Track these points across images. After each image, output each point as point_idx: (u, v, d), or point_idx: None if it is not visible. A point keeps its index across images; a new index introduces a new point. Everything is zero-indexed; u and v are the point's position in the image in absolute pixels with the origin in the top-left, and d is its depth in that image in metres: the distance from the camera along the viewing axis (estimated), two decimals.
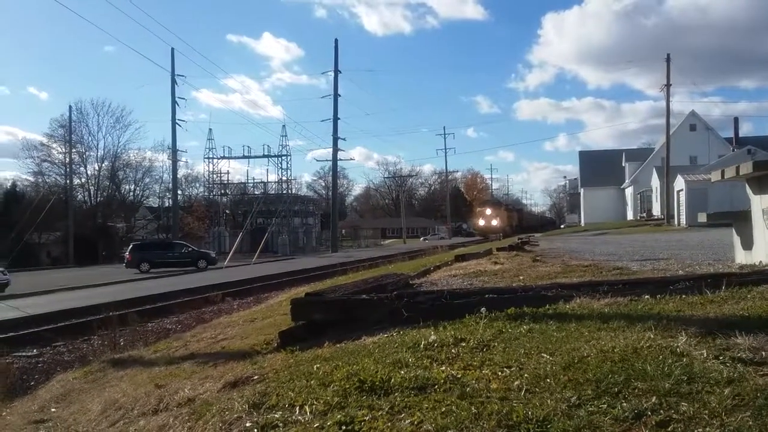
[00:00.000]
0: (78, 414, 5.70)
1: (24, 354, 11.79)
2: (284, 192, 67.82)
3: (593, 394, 2.52)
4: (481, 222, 71.86)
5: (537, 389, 2.67)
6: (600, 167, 70.38)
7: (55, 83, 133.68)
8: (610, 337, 3.51)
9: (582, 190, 75.23)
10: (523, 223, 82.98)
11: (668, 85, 43.77)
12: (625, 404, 2.39)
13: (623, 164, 68.18)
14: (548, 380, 2.76)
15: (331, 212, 64.51)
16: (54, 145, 64.17)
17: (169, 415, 3.88)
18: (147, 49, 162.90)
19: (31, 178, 66.29)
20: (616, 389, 2.56)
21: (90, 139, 67.11)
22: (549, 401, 2.47)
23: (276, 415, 2.78)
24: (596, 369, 2.82)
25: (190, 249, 39.95)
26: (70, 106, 62.97)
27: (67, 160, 61.49)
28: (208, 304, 17.21)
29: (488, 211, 71.50)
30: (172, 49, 52.36)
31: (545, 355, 3.21)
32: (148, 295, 19.40)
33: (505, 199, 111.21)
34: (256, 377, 4.16)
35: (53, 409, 6.56)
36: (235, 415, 2.97)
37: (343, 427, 2.46)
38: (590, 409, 2.38)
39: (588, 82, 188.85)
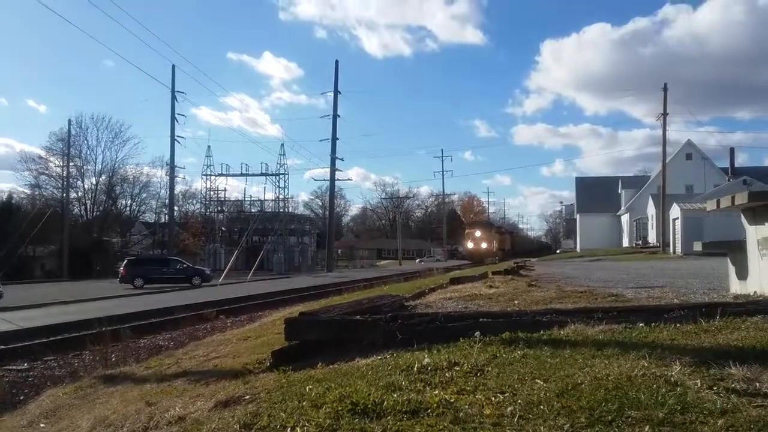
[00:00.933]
0: (67, 430, 5.64)
1: (14, 368, 11.70)
2: (281, 210, 67.82)
3: (587, 422, 2.51)
4: (470, 245, 65.24)
5: (530, 416, 2.66)
6: (596, 193, 70.65)
7: (54, 96, 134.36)
8: (604, 364, 3.51)
9: (578, 216, 75.38)
10: (516, 248, 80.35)
11: (665, 115, 44.12)
12: None
13: (619, 191, 68.47)
14: (542, 407, 2.75)
15: (327, 232, 64.47)
16: (52, 159, 64.27)
17: None
18: (146, 65, 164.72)
19: (28, 191, 66.27)
20: (609, 417, 2.55)
21: (88, 153, 67.37)
22: (542, 428, 2.46)
23: None
24: (590, 396, 2.81)
25: (185, 265, 39.81)
26: (70, 120, 63.12)
27: (65, 173, 61.51)
28: (201, 321, 17.12)
29: (477, 233, 65.06)
30: (173, 66, 52.88)
31: (539, 381, 3.20)
32: (141, 311, 19.30)
33: (498, 221, 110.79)
34: (247, 397, 4.13)
35: (42, 425, 6.50)
36: None
37: None
38: None
39: (585, 108, 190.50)
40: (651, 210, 54.18)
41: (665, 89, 43.93)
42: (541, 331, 5.01)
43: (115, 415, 5.24)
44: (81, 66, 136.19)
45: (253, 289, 30.71)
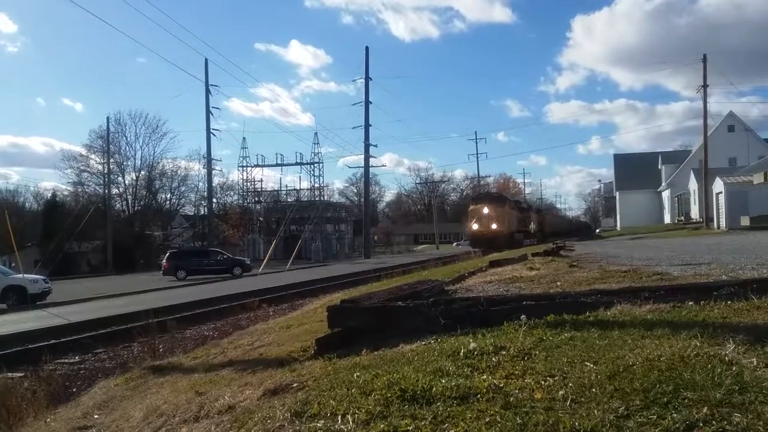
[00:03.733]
0: (120, 421, 5.79)
1: (66, 361, 12.04)
2: (317, 199, 68.29)
3: (641, 405, 2.47)
4: (475, 225, 45.17)
5: (582, 399, 2.63)
6: (635, 170, 69.29)
7: (89, 95, 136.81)
8: (655, 345, 3.44)
9: (617, 194, 74.11)
10: (550, 228, 67.21)
11: (705, 86, 42.84)
12: (675, 415, 2.34)
13: (659, 167, 67.01)
14: (593, 390, 2.72)
15: (364, 219, 64.73)
16: (93, 156, 65.74)
17: (210, 423, 3.92)
18: (176, 60, 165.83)
19: (71, 188, 67.99)
20: (665, 399, 2.50)
21: (127, 149, 68.53)
22: (596, 412, 2.43)
23: (318, 424, 2.78)
24: (643, 378, 2.76)
25: (225, 256, 40.42)
26: (108, 118, 64.46)
27: (106, 170, 62.83)
28: (243, 311, 17.35)
29: (485, 210, 45.06)
30: (206, 60, 53.08)
31: (589, 364, 3.16)
32: (185, 302, 19.66)
33: (535, 201, 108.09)
34: (295, 385, 4.18)
35: (96, 416, 6.68)
36: (278, 424, 2.98)
37: None
38: (639, 420, 2.33)
39: (620, 83, 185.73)
40: (693, 185, 52.91)
41: (704, 60, 42.63)
42: (587, 313, 4.95)
43: (167, 405, 5.36)
44: (113, 63, 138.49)
45: (292, 277, 31.02)
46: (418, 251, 76.96)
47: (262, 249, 59.36)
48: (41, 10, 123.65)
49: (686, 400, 2.47)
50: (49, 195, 69.66)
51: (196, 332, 14.65)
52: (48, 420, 7.07)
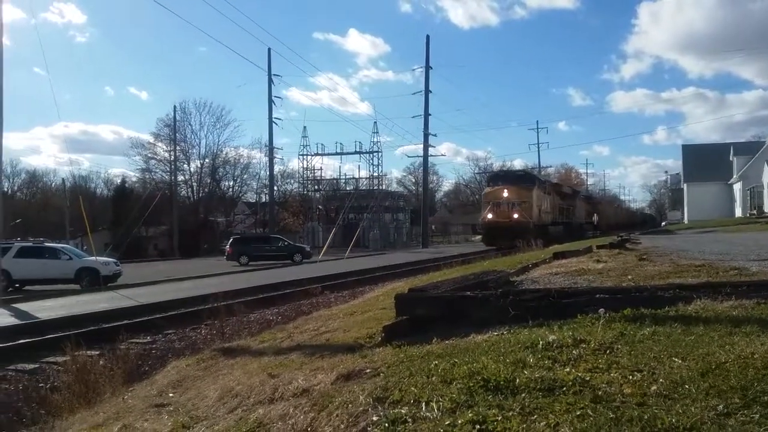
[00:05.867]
0: (195, 400, 5.97)
1: (139, 341, 12.49)
2: (375, 188, 68.62)
3: (741, 403, 2.39)
4: (489, 215, 35.65)
5: (676, 395, 2.56)
6: (705, 161, 66.67)
7: (153, 83, 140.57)
8: (745, 342, 3.32)
9: (685, 186, 71.52)
10: (606, 220, 60.64)
11: None
12: None
13: (731, 158, 64.27)
14: (686, 386, 2.64)
15: (422, 208, 64.62)
16: (160, 144, 67.91)
17: (287, 405, 3.99)
18: (235, 49, 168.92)
19: (139, 175, 70.51)
20: (765, 398, 2.40)
21: (192, 137, 70.47)
22: (692, 408, 2.36)
23: (402, 411, 2.79)
24: (739, 376, 2.67)
25: (286, 243, 41.13)
26: (175, 106, 66.58)
27: (172, 157, 64.82)
28: (305, 296, 17.62)
29: (504, 193, 34.89)
30: (269, 49, 53.93)
31: (677, 360, 3.07)
32: (249, 287, 20.11)
33: (597, 192, 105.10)
34: (368, 371, 4.21)
35: (171, 394, 6.90)
36: (360, 409, 3.02)
37: (477, 426, 2.44)
38: (741, 419, 2.25)
39: (689, 71, 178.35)
40: (767, 177, 50.61)
41: None
42: (666, 308, 4.81)
43: (240, 386, 5.49)
44: (176, 53, 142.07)
45: (351, 265, 31.29)
46: (476, 241, 76.36)
47: (321, 236, 60.09)
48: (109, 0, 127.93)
49: None
50: (119, 181, 72.59)
51: (261, 316, 14.96)
52: (126, 397, 7.34)
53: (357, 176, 71.75)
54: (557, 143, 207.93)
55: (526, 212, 33.86)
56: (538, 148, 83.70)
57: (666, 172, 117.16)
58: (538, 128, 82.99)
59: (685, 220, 66.55)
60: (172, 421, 4.80)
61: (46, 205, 72.74)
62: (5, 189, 55.83)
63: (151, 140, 68.59)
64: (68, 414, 7.11)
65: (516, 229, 32.00)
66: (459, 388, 2.94)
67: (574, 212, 47.32)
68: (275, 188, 66.88)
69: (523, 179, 37.30)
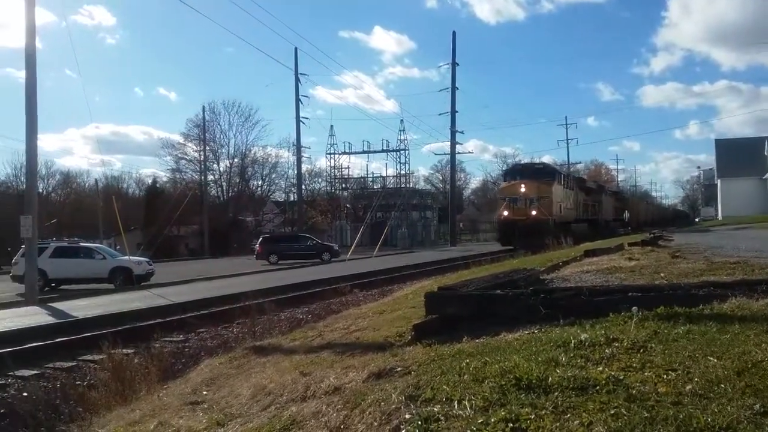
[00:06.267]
0: (229, 397, 6.06)
1: (172, 339, 12.69)
2: (402, 186, 68.65)
3: None
4: (506, 212, 32.97)
5: (711, 395, 2.54)
6: (739, 156, 65.24)
7: (182, 84, 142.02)
8: None
9: (719, 181, 70.14)
10: (637, 217, 56.96)
11: None
12: None
13: (766, 152, 62.87)
14: (722, 385, 2.62)
15: (449, 206, 64.40)
16: (189, 144, 68.80)
17: (320, 403, 4.04)
18: (263, 48, 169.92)
19: (169, 175, 71.54)
20: None
21: (221, 137, 71.21)
22: (729, 408, 2.34)
23: (435, 409, 2.82)
24: None
25: (314, 242, 41.37)
26: (204, 107, 67.34)
27: (202, 157, 65.62)
28: (334, 295, 17.72)
29: (521, 188, 32.39)
30: (296, 49, 54.06)
31: (712, 359, 3.04)
32: (279, 286, 20.27)
33: (628, 189, 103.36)
34: (399, 369, 4.25)
35: (205, 392, 7.01)
36: (393, 407, 3.05)
37: (510, 425, 2.45)
38: None
39: (721, 64, 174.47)
40: None
41: None
42: (700, 306, 4.76)
43: (273, 384, 5.56)
44: (203, 53, 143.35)
45: (380, 264, 31.36)
46: None
47: (349, 235, 60.32)
48: (137, 2, 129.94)
49: None
50: (150, 181, 73.73)
51: (291, 315, 15.08)
52: (161, 394, 7.48)
53: (384, 174, 71.98)
54: (586, 139, 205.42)
55: (546, 209, 31.42)
56: (567, 144, 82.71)
57: (699, 167, 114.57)
58: (567, 124, 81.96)
59: (719, 217, 65.31)
60: (207, 419, 4.89)
61: (80, 205, 74.21)
62: (40, 190, 57.09)
63: (181, 140, 69.62)
64: (105, 411, 7.25)
65: (534, 227, 30.05)
66: (491, 387, 2.95)
67: (600, 209, 44.32)
68: (303, 187, 67.31)
69: (542, 173, 34.20)
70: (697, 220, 78.48)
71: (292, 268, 32.39)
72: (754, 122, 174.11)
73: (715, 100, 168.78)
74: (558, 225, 31.45)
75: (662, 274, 8.11)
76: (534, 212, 31.19)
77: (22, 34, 20.07)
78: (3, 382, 9.06)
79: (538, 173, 33.86)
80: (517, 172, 35.47)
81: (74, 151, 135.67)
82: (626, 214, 53.14)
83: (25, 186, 24.42)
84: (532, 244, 26.43)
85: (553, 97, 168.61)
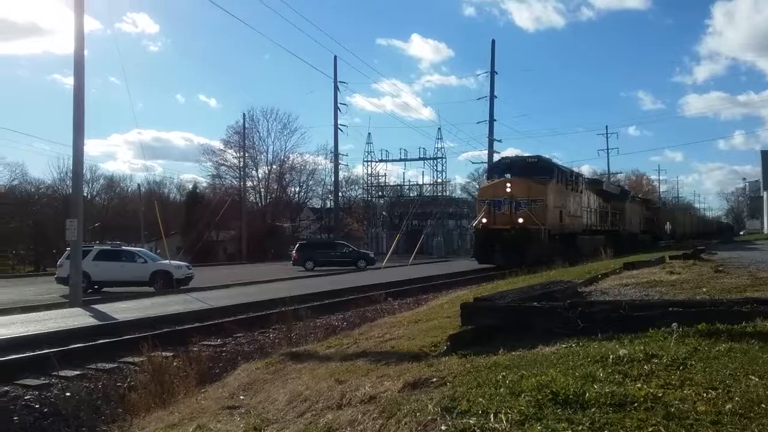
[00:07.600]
0: (266, 403, 6.15)
1: (210, 343, 12.86)
2: (439, 194, 68.53)
3: None
4: (485, 219, 26.18)
5: (752, 415, 2.50)
6: None
7: (221, 91, 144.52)
8: None
9: (765, 194, 68.21)
10: (678, 230, 51.66)
11: None
12: None
13: None
14: (763, 405, 2.58)
15: None
16: (229, 150, 69.89)
17: (356, 411, 4.08)
18: (302, 56, 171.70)
19: (209, 181, 72.78)
20: None
21: (260, 144, 72.19)
22: None
23: (471, 421, 2.83)
24: None
25: (350, 249, 41.55)
26: (244, 114, 68.37)
27: (241, 164, 66.58)
28: (370, 303, 17.72)
29: (507, 188, 25.54)
30: (335, 57, 54.55)
31: (754, 378, 2.99)
32: (315, 292, 20.38)
33: (671, 201, 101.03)
34: (434, 380, 4.26)
35: (242, 397, 7.12)
36: (429, 417, 3.07)
37: None
38: None
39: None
40: None
41: None
42: (743, 323, 4.66)
43: (309, 391, 5.62)
44: (242, 60, 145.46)
45: (415, 272, 31.29)
46: None
47: (385, 243, 60.43)
48: (180, 10, 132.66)
49: None
50: (190, 187, 75.06)
51: (326, 321, 15.16)
52: (199, 398, 7.62)
53: (421, 182, 71.93)
54: (627, 149, 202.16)
55: (538, 215, 24.65)
56: (608, 153, 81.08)
57: (744, 179, 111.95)
58: (607, 133, 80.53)
59: (765, 230, 63.45)
60: (244, 423, 4.97)
61: (123, 209, 76.00)
62: (85, 194, 58.68)
63: (221, 147, 70.81)
64: (145, 413, 7.40)
65: (520, 238, 24.17)
66: (527, 401, 2.96)
67: (623, 218, 36.79)
68: (340, 194, 67.71)
69: (535, 169, 26.48)
70: (742, 232, 76.39)
71: (328, 275, 32.56)
72: None
73: (761, 110, 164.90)
74: (555, 236, 25.91)
75: (704, 289, 7.96)
76: (521, 219, 24.82)
77: (67, 41, 20.86)
78: (47, 381, 9.30)
79: (531, 169, 26.47)
80: (504, 167, 28.07)
81: (117, 156, 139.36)
82: (668, 226, 51.42)
83: (71, 190, 25.10)
84: (517, 261, 22.19)
85: (593, 105, 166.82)
